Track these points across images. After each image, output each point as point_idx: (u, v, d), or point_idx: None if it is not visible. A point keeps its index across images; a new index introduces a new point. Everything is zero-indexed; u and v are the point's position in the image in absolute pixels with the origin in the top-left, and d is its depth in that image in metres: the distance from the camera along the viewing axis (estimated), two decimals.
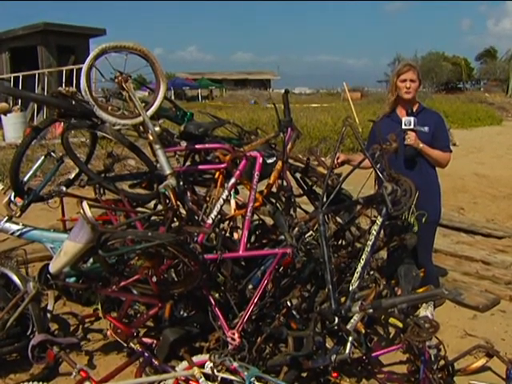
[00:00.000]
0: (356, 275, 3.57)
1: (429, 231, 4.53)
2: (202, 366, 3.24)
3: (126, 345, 3.51)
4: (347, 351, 3.35)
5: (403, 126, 4.38)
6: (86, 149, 4.33)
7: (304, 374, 3.54)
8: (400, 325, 3.80)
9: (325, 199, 3.70)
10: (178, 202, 3.49)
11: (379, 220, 3.66)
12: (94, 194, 4.04)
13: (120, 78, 3.55)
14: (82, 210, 2.94)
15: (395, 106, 4.68)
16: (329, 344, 3.72)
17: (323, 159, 4.57)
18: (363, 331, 3.58)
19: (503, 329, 4.62)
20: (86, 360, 3.85)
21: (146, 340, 3.60)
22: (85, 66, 3.41)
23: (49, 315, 3.92)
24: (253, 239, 4.29)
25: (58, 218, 4.43)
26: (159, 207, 4.10)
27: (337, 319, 3.29)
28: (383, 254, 4.48)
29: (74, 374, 3.20)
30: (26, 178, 4.09)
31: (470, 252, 6.44)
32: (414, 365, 3.56)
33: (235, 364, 3.13)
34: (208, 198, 3.89)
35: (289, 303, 3.66)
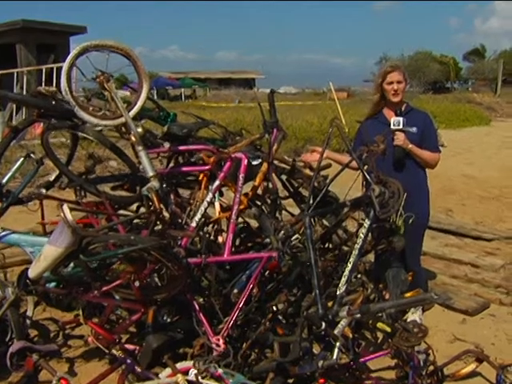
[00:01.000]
0: (343, 279, 3.57)
1: (417, 234, 4.55)
2: (186, 372, 3.21)
3: (107, 351, 3.48)
4: (334, 357, 3.33)
5: (392, 127, 4.39)
6: (67, 150, 4.30)
7: (290, 381, 3.54)
8: (388, 330, 3.81)
9: (311, 202, 3.71)
10: (161, 205, 3.48)
11: (366, 223, 3.66)
12: (75, 196, 4.01)
13: (101, 77, 3.53)
14: (62, 213, 2.91)
15: (381, 107, 4.70)
16: (316, 349, 3.73)
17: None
18: (351, 336, 3.58)
19: (493, 333, 4.65)
20: (67, 367, 3.83)
21: (129, 346, 3.57)
22: (65, 65, 3.38)
23: (28, 321, 3.90)
24: (238, 242, 4.28)
25: (38, 222, 4.40)
26: (142, 210, 4.09)
27: (324, 324, 3.29)
28: (371, 257, 4.49)
29: (54, 382, 3.18)
30: (4, 180, 4.06)
31: (458, 255, 6.48)
32: (403, 370, 3.57)
33: (220, 371, 3.11)
34: (192, 201, 3.88)
35: (275, 308, 3.66)
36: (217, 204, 3.92)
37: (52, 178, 4.27)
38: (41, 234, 4.25)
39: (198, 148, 3.95)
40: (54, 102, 3.72)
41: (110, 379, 3.45)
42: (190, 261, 3.40)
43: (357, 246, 3.67)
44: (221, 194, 4.13)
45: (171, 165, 4.13)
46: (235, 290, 3.57)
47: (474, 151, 16.43)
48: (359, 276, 3.97)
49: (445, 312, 4.99)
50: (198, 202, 3.78)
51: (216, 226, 4.02)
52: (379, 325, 3.98)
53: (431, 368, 3.60)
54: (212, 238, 3.95)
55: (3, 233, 3.98)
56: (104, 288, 3.32)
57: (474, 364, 3.89)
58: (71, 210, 2.99)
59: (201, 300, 3.68)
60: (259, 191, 4.04)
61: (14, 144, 8.10)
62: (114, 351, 3.46)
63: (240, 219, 4.21)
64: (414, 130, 4.45)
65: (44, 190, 4.10)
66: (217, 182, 3.77)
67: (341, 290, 3.54)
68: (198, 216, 3.66)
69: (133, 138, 3.45)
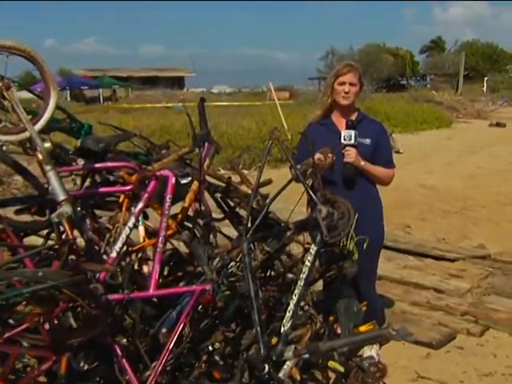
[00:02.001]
0: (288, 314, 3.60)
1: (371, 257, 4.63)
2: None
3: None
4: None
5: (342, 141, 4.46)
6: None
7: None
8: (341, 369, 3.85)
9: (250, 224, 3.73)
10: (76, 232, 3.43)
11: (313, 248, 3.70)
12: None
13: (0, 84, 3.45)
14: None
15: (330, 112, 4.76)
16: None
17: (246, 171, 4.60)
18: (299, 378, 3.60)
19: (461, 368, 4.70)
20: None
21: None
22: None
23: None
24: (166, 272, 4.26)
25: None
26: (53, 235, 4.01)
27: (267, 367, 3.30)
28: (320, 285, 4.53)
29: None
30: None
31: (419, 278, 6.61)
32: None
33: None
34: (112, 226, 3.84)
35: (210, 348, 3.65)
36: (141, 229, 3.88)
37: None
38: None
39: (118, 165, 3.91)
40: None
41: None
42: (110, 297, 3.36)
43: (303, 276, 3.70)
44: (145, 217, 4.09)
45: (86, 185, 4.07)
46: (164, 330, 3.54)
47: (434, 158, 16.85)
48: (306, 308, 4.01)
49: (405, 345, 5.03)
50: (118, 227, 3.74)
51: (140, 255, 3.99)
52: (331, 363, 4.01)
53: None
54: (136, 268, 3.91)
55: None
56: (7, 334, 3.24)
57: None
58: None
59: (124, 341, 3.63)
60: (190, 213, 4.03)
61: None
62: None
63: (169, 244, 4.19)
64: (367, 141, 4.56)
65: None
66: (140, 204, 3.74)
67: (286, 325, 3.56)
68: (119, 244, 3.62)
69: (39, 156, 3.37)
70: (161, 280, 3.83)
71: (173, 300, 3.74)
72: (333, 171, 4.28)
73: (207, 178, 4.12)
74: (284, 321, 3.59)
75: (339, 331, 4.06)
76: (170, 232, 3.80)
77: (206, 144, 4.12)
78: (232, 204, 4.44)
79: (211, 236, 4.02)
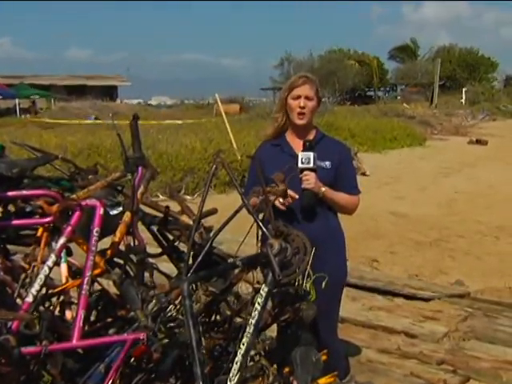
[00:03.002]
0: (236, 365, 3.59)
1: (332, 297, 4.65)
2: None
3: None
4: None
5: (299, 165, 4.46)
6: None
7: None
8: None
9: (191, 261, 3.72)
10: None
11: (264, 288, 3.71)
12: None
13: None
14: None
15: (284, 130, 4.79)
16: None
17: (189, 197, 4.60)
18: None
19: None
20: None
21: None
22: None
23: None
24: (93, 317, 4.22)
25: None
26: None
27: None
28: (273, 331, 4.54)
29: None
30: None
31: (388, 321, 6.65)
32: None
33: None
34: (28, 265, 3.80)
35: None
36: (63, 267, 3.86)
37: None
38: None
39: (36, 193, 3.88)
40: None
41: None
42: (25, 350, 3.32)
43: (253, 320, 3.70)
44: (69, 254, 4.06)
45: None
46: None
47: (405, 181, 17.07)
48: (257, 358, 4.01)
49: None
50: (36, 265, 3.71)
51: (62, 298, 3.96)
52: None
53: None
54: (57, 314, 3.88)
55: None
56: None
57: None
58: None
59: None
60: (121, 249, 4.01)
61: None
62: None
63: (96, 285, 4.16)
64: (327, 164, 4.59)
65: None
66: (62, 239, 3.71)
67: (233, 379, 3.55)
68: (37, 286, 3.58)
69: None
70: (86, 327, 3.79)
71: (100, 351, 3.71)
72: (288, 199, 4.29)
73: (142, 207, 4.11)
74: (231, 374, 3.59)
75: None
76: (97, 271, 3.77)
77: (140, 168, 4.11)
78: (171, 237, 4.43)
79: (146, 275, 4.01)
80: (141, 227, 4.05)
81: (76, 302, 3.72)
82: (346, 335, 5.86)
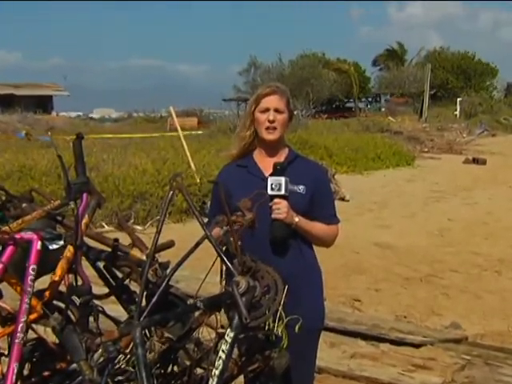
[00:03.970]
0: None
1: (307, 344, 4.65)
2: None
3: None
4: None
5: (269, 191, 4.42)
6: None
7: None
8: None
9: (144, 303, 3.72)
10: None
11: (230, 334, 3.72)
12: None
13: None
14: None
15: (251, 150, 4.79)
16: None
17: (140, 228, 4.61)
18: None
19: None
20: None
21: None
22: None
23: None
24: (28, 370, 4.21)
25: None
26: None
27: None
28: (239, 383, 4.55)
29: None
30: None
31: (372, 371, 6.62)
32: None
33: None
34: None
35: None
36: None
37: None
38: None
39: None
40: None
41: None
42: None
43: (216, 370, 3.71)
44: None
45: None
46: None
47: (391, 207, 17.17)
48: None
49: None
50: None
51: None
52: None
53: None
54: None
55: None
56: None
57: None
58: None
59: None
60: (61, 289, 4.00)
61: None
62: None
63: (32, 332, 4.15)
64: (301, 189, 4.57)
65: None
66: None
67: None
68: None
69: None
70: (19, 383, 3.77)
71: None
72: (256, 230, 4.28)
73: (86, 240, 4.10)
74: None
75: None
76: (33, 316, 3.76)
77: (85, 195, 4.11)
78: (120, 275, 4.43)
79: (91, 320, 4.00)
80: (85, 264, 4.04)
81: (7, 353, 3.71)
82: None
